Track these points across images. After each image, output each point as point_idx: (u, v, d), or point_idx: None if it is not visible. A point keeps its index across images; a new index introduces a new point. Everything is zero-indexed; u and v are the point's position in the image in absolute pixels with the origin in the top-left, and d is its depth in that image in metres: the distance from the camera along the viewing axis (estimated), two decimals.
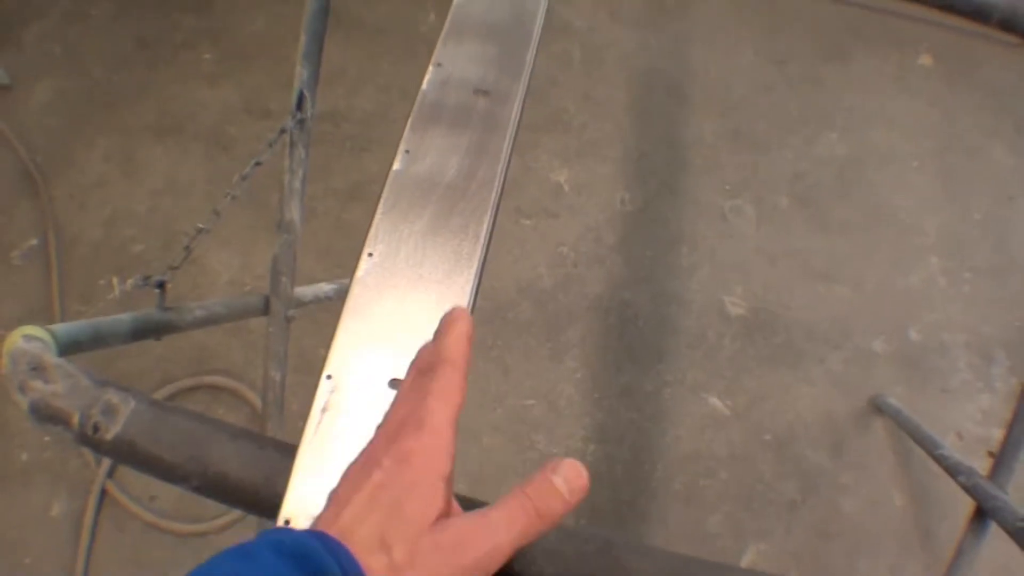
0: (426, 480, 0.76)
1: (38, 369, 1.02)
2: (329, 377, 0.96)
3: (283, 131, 1.84)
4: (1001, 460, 2.07)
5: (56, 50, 3.76)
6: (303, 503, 0.89)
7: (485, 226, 1.07)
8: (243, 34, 3.80)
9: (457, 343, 0.86)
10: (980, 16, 1.75)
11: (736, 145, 3.58)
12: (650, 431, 2.86)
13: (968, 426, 2.97)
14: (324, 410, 0.94)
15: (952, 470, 2.25)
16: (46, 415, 1.00)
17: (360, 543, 0.73)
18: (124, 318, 1.51)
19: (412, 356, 0.98)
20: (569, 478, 0.78)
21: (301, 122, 1.88)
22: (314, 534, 0.72)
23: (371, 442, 0.82)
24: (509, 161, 1.16)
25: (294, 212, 1.94)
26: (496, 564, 0.75)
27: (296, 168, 1.92)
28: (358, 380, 0.95)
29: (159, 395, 2.83)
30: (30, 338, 1.08)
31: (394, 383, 0.96)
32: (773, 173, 3.50)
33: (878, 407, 2.92)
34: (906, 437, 2.81)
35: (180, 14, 3.88)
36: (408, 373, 0.88)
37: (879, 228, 3.36)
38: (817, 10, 4.16)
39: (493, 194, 1.11)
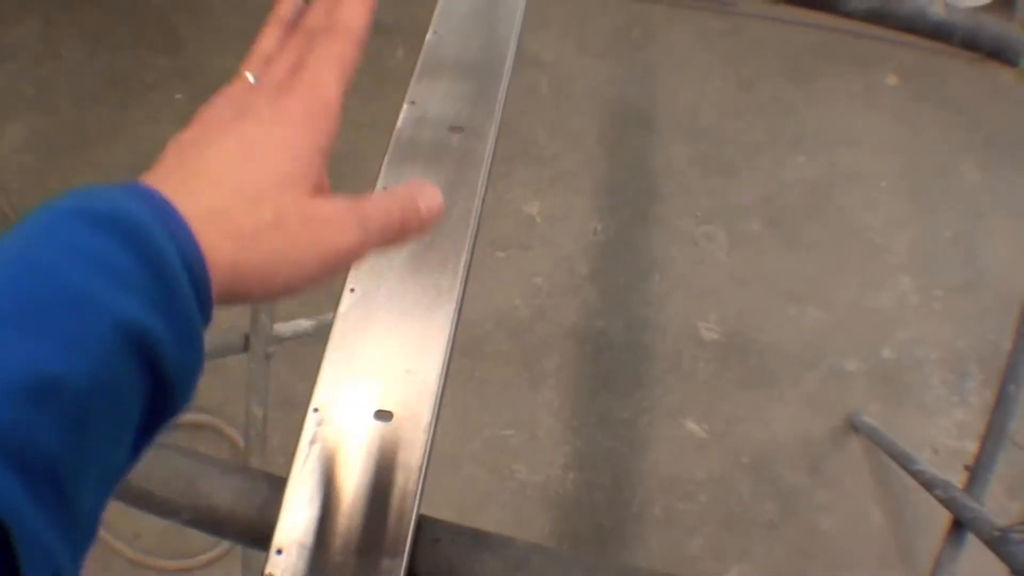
0: (307, 142, 0.70)
1: None
2: (316, 410, 1.01)
3: None
4: (976, 473, 2.15)
5: (28, 90, 3.83)
6: (294, 532, 0.94)
7: (463, 260, 1.14)
8: (214, 73, 3.87)
9: (358, 8, 0.77)
10: (942, 36, 1.82)
11: (706, 171, 3.67)
12: (628, 457, 2.93)
13: (944, 440, 3.04)
14: (312, 442, 0.99)
15: (928, 484, 2.32)
16: None
17: (210, 198, 0.64)
18: None
19: (396, 388, 1.04)
20: (430, 203, 0.76)
21: None
22: (139, 193, 0.62)
23: (244, 88, 0.76)
24: (485, 195, 1.22)
25: None
26: (352, 260, 0.71)
27: None
28: (344, 412, 1.01)
29: None
30: None
31: (379, 414, 1.02)
32: (743, 198, 3.59)
33: (854, 426, 2.99)
34: (882, 454, 2.88)
35: (151, 54, 3.96)
36: (282, 26, 0.82)
37: (849, 248, 3.45)
38: (782, 34, 4.24)
39: (470, 229, 1.17)
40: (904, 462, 2.59)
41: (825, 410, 3.05)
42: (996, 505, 2.85)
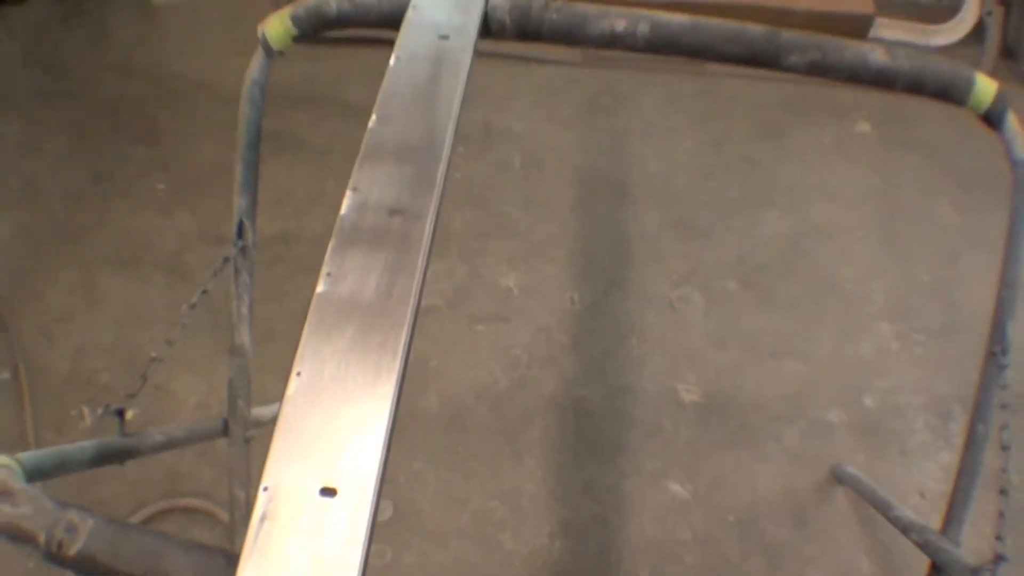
0: None
1: (6, 494, 1.21)
2: (266, 489, 1.12)
3: (227, 260, 2.03)
4: (951, 513, 2.19)
5: (14, 184, 4.03)
6: None
7: (403, 340, 1.23)
8: (193, 162, 4.08)
9: None
10: (885, 82, 1.88)
11: (679, 234, 3.81)
12: (613, 522, 3.02)
13: (930, 484, 3.12)
14: (263, 519, 1.10)
15: (905, 529, 2.40)
16: (15, 536, 1.19)
17: None
18: (88, 445, 1.69)
19: (340, 466, 1.14)
20: None
21: (243, 249, 2.07)
22: None
23: None
24: (425, 274, 1.32)
25: (244, 337, 2.12)
26: None
27: (242, 294, 2.11)
28: (292, 490, 1.11)
29: (134, 519, 2.98)
30: None
31: (324, 491, 1.12)
32: (717, 258, 3.74)
33: (837, 477, 3.07)
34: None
35: (132, 146, 4.18)
36: None
37: (826, 300, 3.58)
38: (752, 91, 4.42)
39: (409, 309, 1.26)
40: (882, 508, 2.66)
41: (809, 464, 3.14)
42: (988, 546, 2.92)
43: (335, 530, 1.08)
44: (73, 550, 1.16)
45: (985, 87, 1.88)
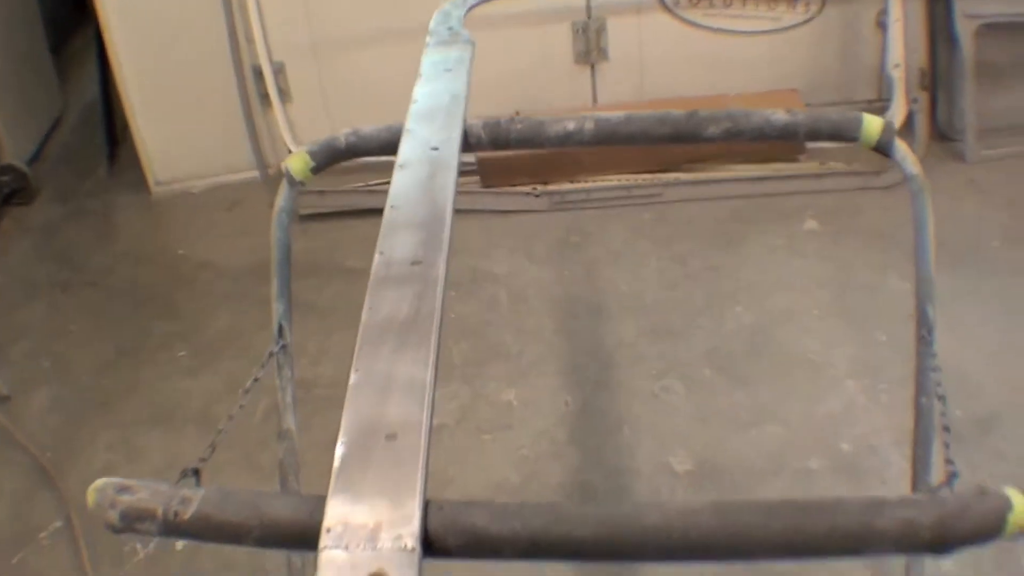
0: None
1: (123, 489, 1.48)
2: (343, 443, 1.49)
3: (271, 354, 2.45)
4: (915, 481, 2.70)
5: (45, 363, 4.49)
6: (339, 518, 1.40)
7: (432, 342, 1.59)
8: (211, 331, 4.55)
9: None
10: (789, 135, 2.27)
11: (655, 338, 4.28)
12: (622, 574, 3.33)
13: None
14: (343, 460, 1.47)
15: None
16: (135, 517, 1.44)
17: None
18: None
19: (397, 418, 1.52)
20: None
21: (284, 347, 2.49)
22: None
23: None
24: (443, 300, 1.69)
25: (290, 422, 2.54)
26: None
27: (285, 385, 2.53)
28: (363, 438, 1.46)
29: None
30: (108, 479, 1.58)
31: (388, 436, 1.49)
32: (691, 352, 4.17)
33: None
34: None
35: (151, 322, 4.68)
36: None
37: (794, 372, 3.99)
38: (706, 210, 4.98)
39: (434, 321, 1.63)
40: None
41: None
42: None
43: (399, 459, 1.42)
44: (188, 514, 1.41)
45: (872, 123, 2.22)
